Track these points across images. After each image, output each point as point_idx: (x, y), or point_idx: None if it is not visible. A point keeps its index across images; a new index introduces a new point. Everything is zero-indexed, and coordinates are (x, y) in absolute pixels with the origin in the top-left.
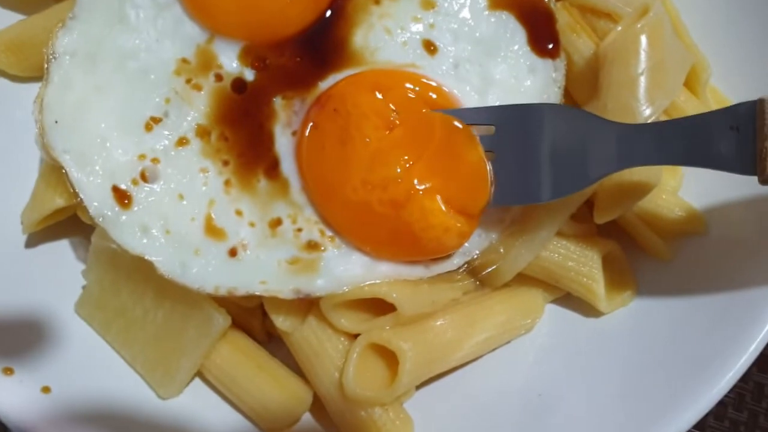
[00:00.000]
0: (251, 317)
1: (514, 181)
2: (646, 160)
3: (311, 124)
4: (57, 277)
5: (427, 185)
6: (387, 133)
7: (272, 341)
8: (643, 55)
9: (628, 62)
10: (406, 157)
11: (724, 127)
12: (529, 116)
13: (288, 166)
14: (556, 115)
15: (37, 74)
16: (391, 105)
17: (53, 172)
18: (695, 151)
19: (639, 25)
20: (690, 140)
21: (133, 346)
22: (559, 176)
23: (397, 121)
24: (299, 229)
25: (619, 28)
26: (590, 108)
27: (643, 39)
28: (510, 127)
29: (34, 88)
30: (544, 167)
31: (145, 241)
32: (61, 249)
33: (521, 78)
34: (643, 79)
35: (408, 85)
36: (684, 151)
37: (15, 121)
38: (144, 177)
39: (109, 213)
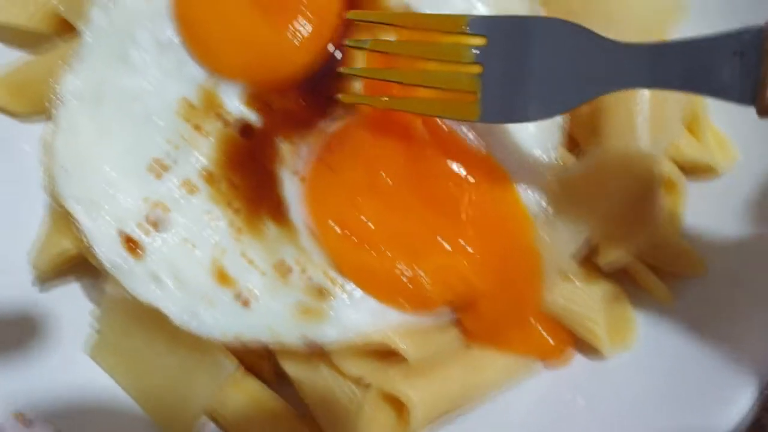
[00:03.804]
0: (260, 359)
1: (502, 98)
2: (641, 83)
3: (318, 170)
4: (66, 317)
5: (440, 241)
6: (394, 181)
7: (281, 381)
8: (644, 101)
9: (630, 108)
10: (418, 210)
11: (728, 52)
12: (523, 29)
13: (296, 212)
14: (551, 30)
15: (38, 110)
16: (398, 150)
17: (61, 217)
18: (694, 76)
19: None
20: (689, 64)
21: (144, 390)
22: (548, 94)
23: (406, 169)
24: (308, 277)
25: None
26: (593, 151)
27: (647, 93)
28: (502, 40)
29: (36, 123)
30: (534, 84)
31: (156, 290)
32: (70, 289)
33: None
34: (645, 124)
35: (415, 126)
36: (682, 74)
37: (19, 157)
38: (155, 226)
39: (120, 262)
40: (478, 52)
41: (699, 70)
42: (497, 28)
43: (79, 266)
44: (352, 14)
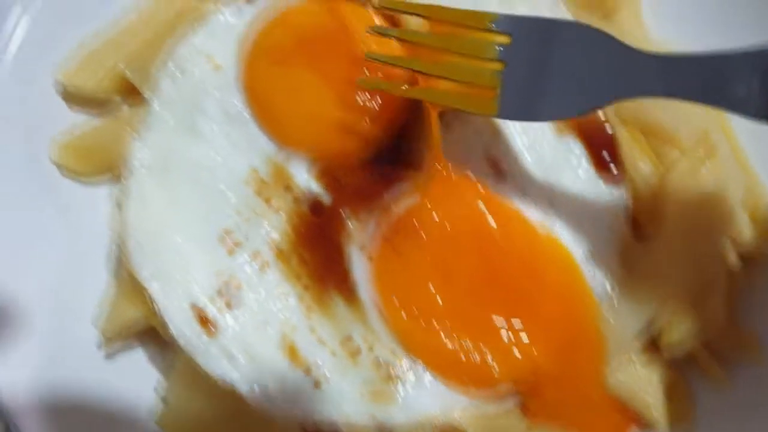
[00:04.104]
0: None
1: (521, 96)
2: (660, 91)
3: (385, 251)
4: (132, 383)
5: (506, 322)
6: (461, 262)
7: None
8: (706, 186)
9: (692, 194)
10: (484, 291)
11: (748, 68)
12: (547, 31)
13: (364, 291)
14: (575, 33)
15: (103, 172)
16: (465, 231)
17: (129, 284)
18: (711, 89)
19: (707, 166)
20: (708, 77)
21: None
22: (567, 96)
23: (473, 250)
24: (376, 356)
25: (685, 164)
26: (658, 235)
27: (710, 181)
28: (525, 40)
29: (102, 186)
30: (554, 85)
31: (228, 366)
32: (135, 354)
33: (586, 202)
34: (707, 209)
35: (481, 206)
36: (700, 87)
37: (84, 218)
38: (228, 302)
39: (194, 338)
40: (501, 49)
41: (717, 83)
42: (522, 28)
43: (146, 333)
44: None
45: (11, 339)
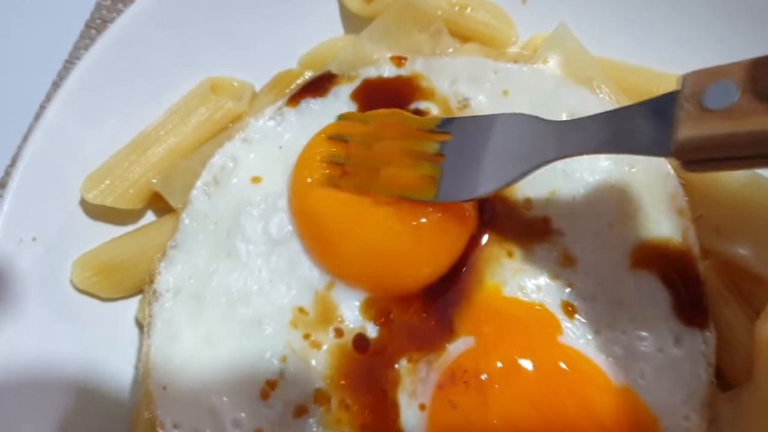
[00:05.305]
0: None
1: (456, 181)
2: (578, 149)
3: (439, 402)
4: None
5: None
6: (525, 420)
7: None
8: None
9: None
10: None
11: (647, 114)
12: (480, 125)
13: None
14: (505, 121)
15: (128, 294)
16: (531, 384)
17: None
18: (619, 139)
19: None
20: (615, 129)
21: None
22: (495, 172)
23: (539, 407)
24: None
25: None
26: (746, 385)
27: None
28: (463, 135)
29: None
30: (485, 166)
31: None
32: None
33: (666, 349)
34: None
35: (548, 354)
36: (609, 139)
37: (107, 340)
38: None
39: None
40: (442, 145)
41: (623, 133)
42: (460, 127)
43: None
44: (343, 115)
45: None
